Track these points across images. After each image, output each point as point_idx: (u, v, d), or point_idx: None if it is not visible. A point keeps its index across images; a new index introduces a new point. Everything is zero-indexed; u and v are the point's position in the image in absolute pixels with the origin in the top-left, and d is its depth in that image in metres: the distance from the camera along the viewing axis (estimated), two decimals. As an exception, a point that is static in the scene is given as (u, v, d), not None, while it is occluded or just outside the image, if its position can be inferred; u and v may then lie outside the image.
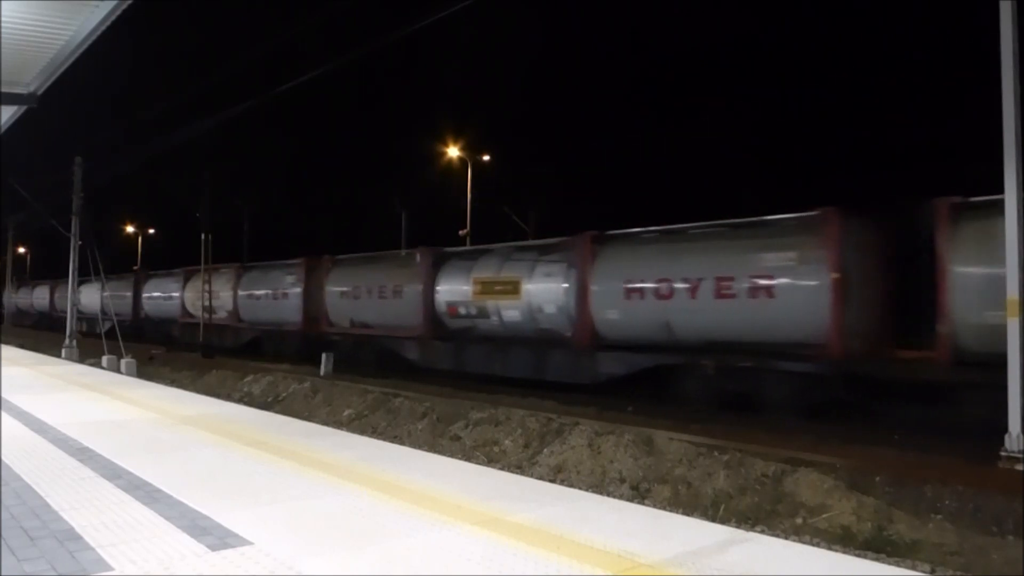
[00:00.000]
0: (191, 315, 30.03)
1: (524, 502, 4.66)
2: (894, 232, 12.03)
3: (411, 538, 3.94)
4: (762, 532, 6.35)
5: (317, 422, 10.64)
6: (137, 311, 35.25)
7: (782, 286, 12.11)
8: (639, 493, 8.60)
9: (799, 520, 7.46)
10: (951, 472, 8.00)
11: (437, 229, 33.32)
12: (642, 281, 14.03)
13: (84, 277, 38.43)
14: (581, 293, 15.01)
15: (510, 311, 16.56)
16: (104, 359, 19.56)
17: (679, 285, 13.35)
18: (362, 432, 11.27)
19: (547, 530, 4.08)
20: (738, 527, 5.72)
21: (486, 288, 17.21)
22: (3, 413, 8.09)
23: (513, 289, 16.46)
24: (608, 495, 7.30)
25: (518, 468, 9.64)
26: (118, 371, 17.83)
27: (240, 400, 15.04)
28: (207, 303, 27.95)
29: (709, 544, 3.94)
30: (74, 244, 23.28)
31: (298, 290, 23.52)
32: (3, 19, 9.08)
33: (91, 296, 37.71)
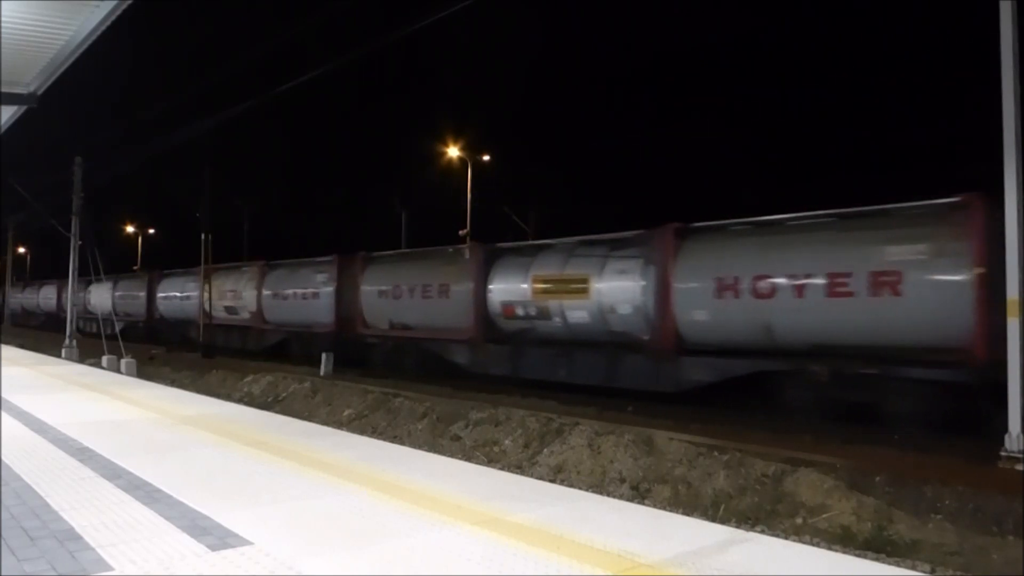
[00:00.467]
0: (211, 316, 28.79)
1: (524, 502, 4.66)
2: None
3: (411, 538, 3.94)
4: (762, 532, 6.34)
5: (317, 422, 10.64)
6: (151, 312, 33.94)
7: (912, 283, 10.69)
8: (639, 493, 8.60)
9: (799, 520, 7.46)
10: (951, 472, 8.01)
11: (437, 229, 33.33)
12: (737, 278, 12.57)
13: (94, 277, 38.33)
14: (662, 292, 13.61)
15: (577, 312, 15.10)
16: (104, 359, 19.56)
17: (782, 282, 12.01)
18: (362, 432, 11.27)
19: (547, 530, 4.08)
20: (738, 527, 5.72)
21: (548, 287, 15.73)
22: (3, 413, 8.09)
23: (580, 288, 15.00)
24: (608, 495, 7.30)
25: (518, 468, 9.64)
26: (118, 371, 17.82)
27: (240, 400, 15.04)
28: (206, 303, 27.90)
29: (709, 544, 3.94)
30: (74, 244, 23.29)
31: (330, 289, 22.10)
32: (3, 19, 9.08)
33: (101, 296, 37.39)
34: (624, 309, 14.41)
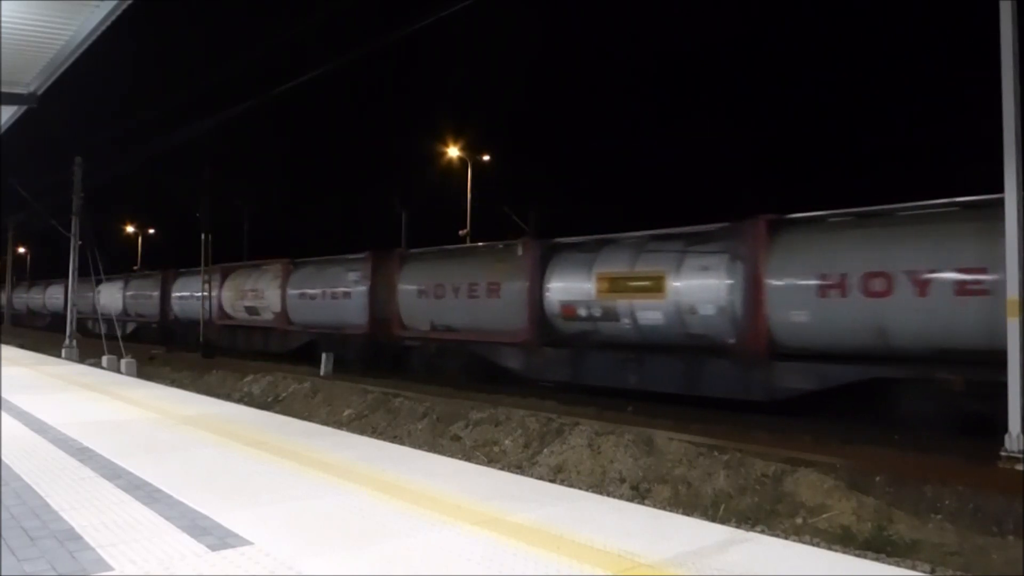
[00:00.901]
0: (230, 316, 27.65)
1: (524, 502, 4.66)
2: None
3: (411, 538, 3.94)
4: (762, 532, 6.34)
5: (317, 422, 10.63)
6: (165, 312, 32.59)
7: None
8: (639, 493, 8.60)
9: (799, 520, 7.46)
10: (951, 472, 8.00)
11: (437, 229, 33.32)
12: (844, 275, 11.24)
13: (105, 276, 37.91)
14: (752, 290, 12.35)
15: (649, 312, 13.80)
16: (104, 359, 19.55)
17: (900, 280, 10.73)
18: (362, 432, 11.27)
19: (547, 530, 4.08)
20: (738, 527, 5.72)
21: (616, 285, 14.35)
22: (3, 413, 8.09)
23: (654, 286, 13.66)
24: (608, 495, 7.30)
25: (518, 468, 9.64)
26: (118, 371, 17.82)
27: (240, 400, 15.04)
28: (206, 304, 27.83)
29: (709, 544, 3.94)
30: (74, 244, 23.29)
31: (363, 288, 20.80)
32: (3, 19, 9.08)
33: (111, 296, 36.13)
34: (706, 309, 13.07)
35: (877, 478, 7.97)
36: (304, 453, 6.11)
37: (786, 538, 5.85)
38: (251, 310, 25.97)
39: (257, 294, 25.50)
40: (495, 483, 5.44)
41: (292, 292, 23.74)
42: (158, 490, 4.85)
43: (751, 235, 12.63)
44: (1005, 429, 8.46)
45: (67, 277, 23.47)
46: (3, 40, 9.74)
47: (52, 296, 44.65)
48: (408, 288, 19.41)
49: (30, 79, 11.71)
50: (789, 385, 11.99)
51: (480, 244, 19.13)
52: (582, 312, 15.10)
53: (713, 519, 7.08)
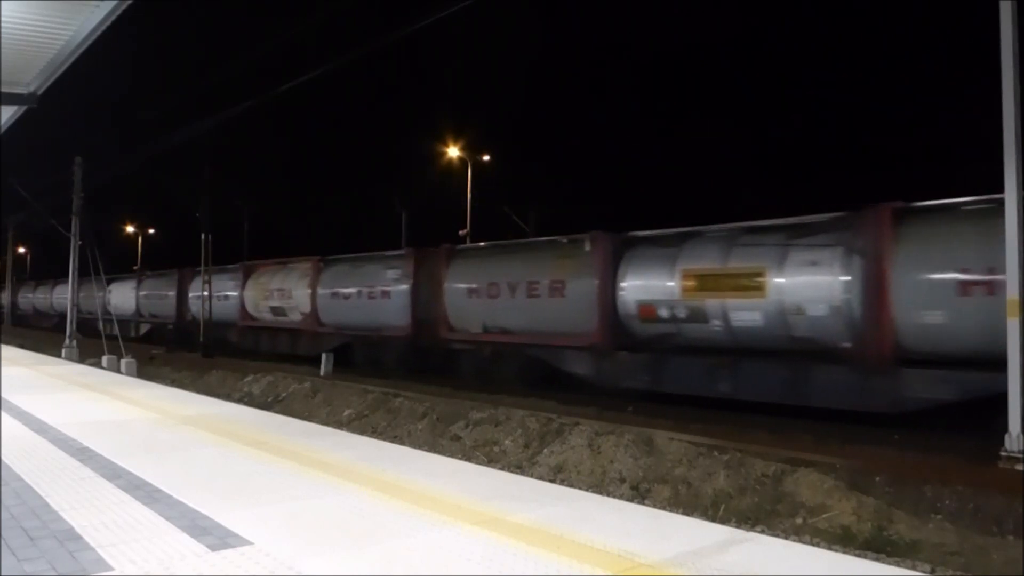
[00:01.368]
0: (253, 317, 26.14)
1: (524, 502, 4.66)
2: None
3: (411, 538, 3.94)
4: (762, 532, 6.34)
5: (317, 422, 10.64)
6: (182, 313, 31.09)
7: None
8: (639, 493, 8.60)
9: (799, 520, 7.46)
10: (951, 472, 8.00)
11: (437, 229, 33.33)
12: (991, 270, 9.74)
13: (116, 275, 37.28)
14: (873, 288, 11.02)
15: (745, 313, 12.39)
16: (104, 359, 19.56)
17: None
18: (362, 432, 11.27)
19: (547, 530, 4.08)
20: (738, 527, 5.72)
21: (705, 283, 12.97)
22: (3, 413, 8.09)
23: (752, 283, 12.24)
24: (608, 495, 7.30)
25: (518, 468, 9.64)
26: (118, 371, 17.83)
27: (240, 400, 15.05)
28: (207, 304, 27.74)
29: (709, 544, 3.94)
30: (74, 244, 23.31)
31: (404, 287, 19.40)
32: (3, 19, 9.09)
33: (124, 296, 35.38)
34: (816, 309, 11.63)
35: (877, 478, 7.97)
36: (304, 453, 6.11)
37: (786, 538, 5.85)
38: (277, 311, 24.63)
39: (284, 294, 24.07)
40: (495, 483, 5.44)
41: (323, 291, 22.30)
42: (158, 490, 4.84)
43: (872, 225, 11.19)
44: (1005, 429, 8.47)
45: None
46: (3, 40, 9.74)
47: (60, 296, 41.94)
48: (457, 287, 17.88)
49: (30, 79, 11.72)
50: (920, 395, 10.59)
51: (541, 239, 17.37)
52: (663, 313, 13.67)
53: (713, 519, 7.09)
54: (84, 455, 5.95)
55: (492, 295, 16.83)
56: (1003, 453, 8.45)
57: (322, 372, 19.24)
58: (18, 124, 14.97)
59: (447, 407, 12.90)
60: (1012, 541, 6.69)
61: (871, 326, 11.08)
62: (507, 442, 10.89)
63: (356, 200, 62.40)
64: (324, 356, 19.88)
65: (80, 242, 23.23)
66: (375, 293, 20.36)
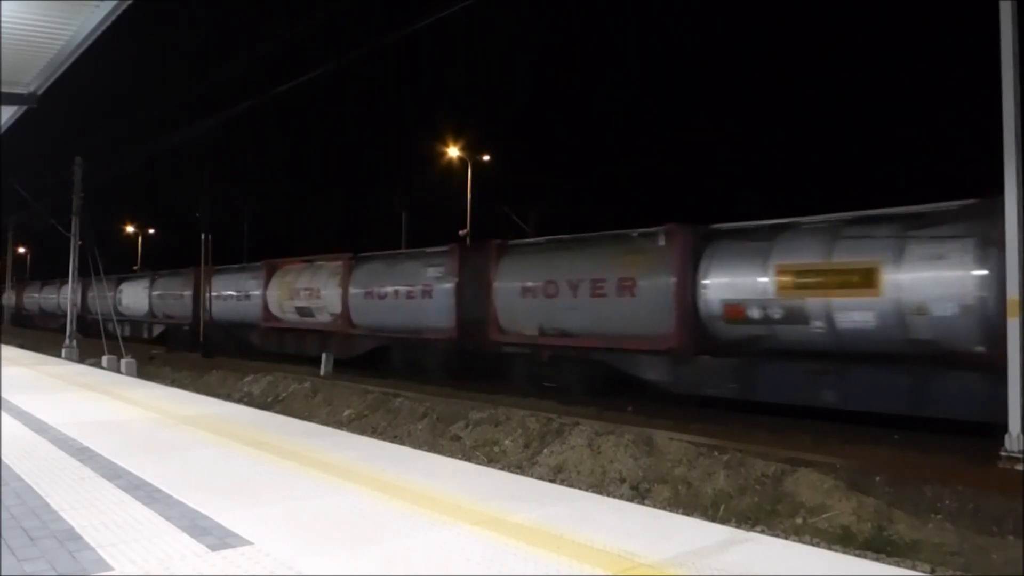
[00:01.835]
0: (277, 318, 24.67)
1: (524, 502, 4.66)
2: None
3: (411, 538, 3.94)
4: (762, 532, 6.35)
5: (317, 422, 10.64)
6: (199, 314, 29.58)
7: None
8: (639, 493, 8.60)
9: (799, 520, 7.46)
10: (951, 472, 8.01)
11: (437, 229, 33.33)
12: None
13: (127, 274, 36.77)
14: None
15: (855, 313, 11.11)
16: (104, 359, 19.56)
17: None
18: (362, 432, 11.27)
19: (547, 530, 4.08)
20: (738, 527, 5.73)
21: (805, 280, 11.73)
22: (3, 413, 8.09)
23: (863, 280, 11.02)
24: (608, 495, 7.31)
25: (518, 468, 9.64)
26: (118, 371, 17.83)
27: (240, 400, 15.05)
28: (206, 304, 27.73)
29: (709, 544, 3.94)
30: (74, 244, 23.33)
31: (448, 286, 18.05)
32: (3, 19, 9.09)
33: (136, 296, 34.30)
34: (942, 308, 10.43)
35: (877, 478, 7.97)
36: (304, 453, 6.11)
37: (786, 538, 5.86)
38: (303, 311, 23.28)
39: (312, 293, 22.70)
40: (495, 483, 5.44)
41: (355, 291, 20.98)
42: (158, 490, 4.85)
43: None
44: (1005, 429, 8.47)
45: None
46: (3, 40, 9.74)
47: (67, 296, 41.25)
48: (508, 286, 16.47)
49: (30, 79, 11.73)
50: None
51: (605, 233, 15.78)
52: (754, 313, 12.36)
53: (713, 519, 7.09)
54: (84, 455, 5.95)
55: (550, 294, 15.48)
56: (1003, 453, 8.46)
57: (322, 372, 19.24)
58: (18, 124, 14.98)
59: (447, 407, 12.90)
60: (1012, 541, 6.69)
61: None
62: (507, 442, 10.90)
63: (356, 200, 62.44)
64: (324, 356, 19.86)
65: (80, 242, 23.25)
66: (415, 292, 18.98)
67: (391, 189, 39.85)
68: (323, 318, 22.35)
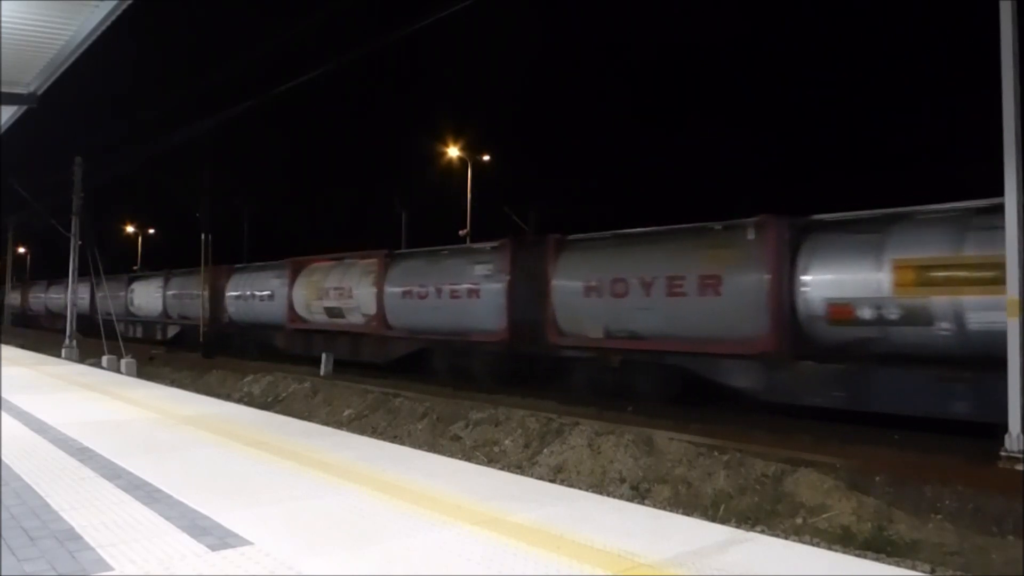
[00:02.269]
0: (303, 319, 23.34)
1: (524, 502, 4.66)
2: None
3: (411, 538, 3.94)
4: (762, 532, 6.34)
5: (317, 422, 10.64)
6: (217, 314, 28.35)
7: None
8: (639, 493, 8.60)
9: (799, 520, 7.46)
10: (951, 472, 8.01)
11: (437, 229, 33.33)
12: None
13: (140, 273, 36.21)
14: None
15: (992, 313, 9.65)
16: (104, 359, 19.56)
17: None
18: (362, 432, 11.27)
19: (547, 530, 4.08)
20: (738, 527, 5.73)
21: (929, 276, 10.46)
22: (3, 413, 8.09)
23: (1001, 276, 9.31)
24: (608, 495, 7.31)
25: (518, 468, 9.64)
26: (118, 371, 17.83)
27: (240, 400, 15.05)
28: (206, 304, 27.67)
29: (709, 544, 3.94)
30: (74, 244, 23.34)
31: (498, 285, 16.68)
32: (3, 19, 9.09)
33: (149, 296, 33.41)
34: None
35: (877, 478, 7.97)
36: (304, 453, 6.11)
37: (786, 538, 5.85)
38: (333, 312, 21.94)
39: (342, 293, 21.47)
40: (495, 483, 5.44)
41: (391, 290, 19.65)
42: (158, 490, 4.85)
43: None
44: (1005, 429, 8.47)
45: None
46: (3, 40, 9.74)
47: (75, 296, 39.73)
48: (569, 284, 15.20)
49: (30, 79, 11.73)
50: None
51: (682, 226, 14.28)
52: (865, 313, 11.06)
53: (713, 519, 7.09)
54: (84, 455, 5.95)
55: (618, 293, 14.18)
56: (1003, 453, 8.46)
57: (322, 372, 19.24)
58: (18, 124, 14.98)
59: (447, 407, 12.90)
60: (1012, 541, 6.69)
61: None
62: (507, 442, 10.90)
63: (356, 200, 62.44)
64: (324, 356, 19.85)
65: (80, 242, 23.26)
66: (459, 292, 17.56)
67: (391, 189, 39.86)
68: (355, 319, 21.08)
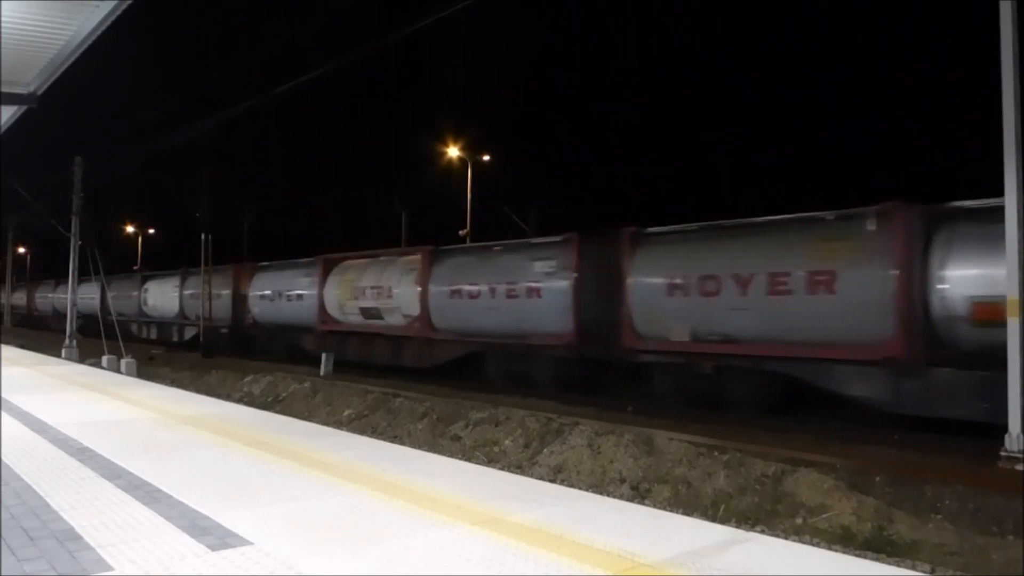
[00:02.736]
0: (336, 320, 22.01)
1: (524, 502, 4.66)
2: None
3: (411, 538, 3.94)
4: (762, 532, 6.35)
5: (317, 422, 10.64)
6: (239, 315, 27.06)
7: None
8: (639, 493, 8.60)
9: (799, 520, 7.46)
10: (951, 472, 8.01)
11: (437, 229, 33.33)
12: None
13: (154, 272, 35.69)
14: None
15: None
16: (104, 359, 19.57)
17: None
18: (362, 432, 11.28)
19: (547, 530, 4.08)
20: (738, 527, 5.72)
21: None
22: (3, 413, 8.09)
23: None
24: (608, 495, 7.30)
25: (518, 468, 9.65)
26: (118, 371, 17.83)
27: (240, 400, 15.05)
28: (206, 305, 27.66)
29: (709, 544, 3.94)
30: (74, 244, 23.36)
31: (563, 283, 15.40)
32: (3, 19, 9.10)
33: (164, 295, 32.18)
34: None
35: (877, 478, 7.98)
36: (304, 453, 6.11)
37: (786, 538, 5.85)
38: (370, 312, 20.62)
39: (381, 292, 20.14)
40: (495, 483, 5.44)
41: (437, 289, 18.28)
42: (158, 490, 4.85)
43: None
44: (1005, 429, 8.47)
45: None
46: (3, 40, 9.74)
47: (84, 295, 33.18)
48: (648, 282, 13.89)
49: (30, 79, 11.73)
50: None
51: (786, 217, 12.73)
52: None
53: (713, 519, 7.09)
54: (84, 455, 5.95)
55: (707, 292, 12.87)
56: (1003, 453, 8.46)
57: (322, 372, 19.24)
58: (18, 124, 14.98)
59: (447, 407, 12.90)
60: (1012, 541, 6.69)
61: None
62: (507, 442, 10.90)
63: (356, 200, 62.45)
64: (324, 356, 19.84)
65: (80, 242, 23.27)
66: (517, 291, 16.20)
67: (391, 189, 39.85)
68: (394, 320, 19.78)
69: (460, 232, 33.07)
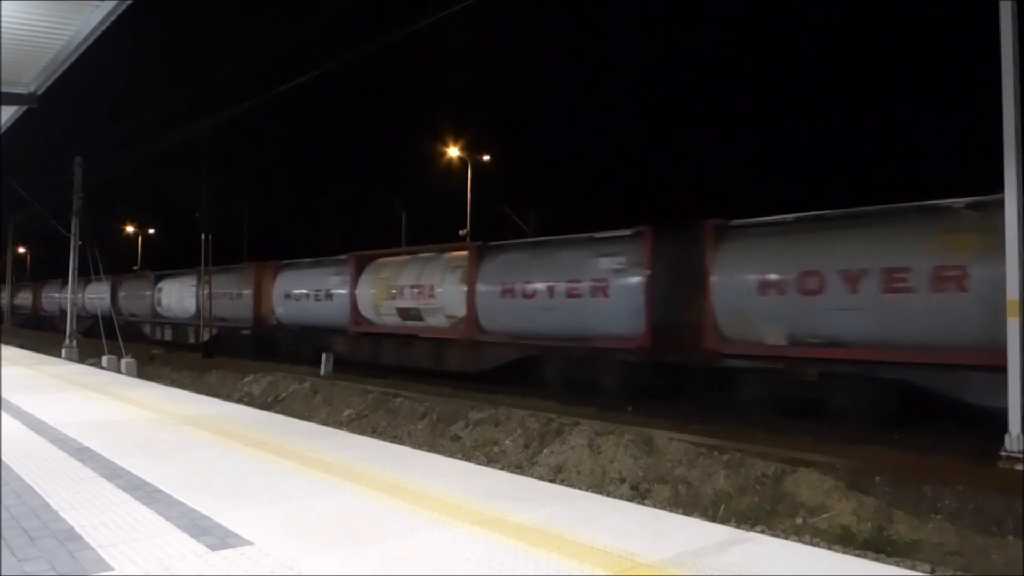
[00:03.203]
0: (371, 322, 20.68)
1: (524, 502, 4.66)
2: None
3: (411, 538, 3.94)
4: (762, 532, 6.35)
5: (317, 422, 10.64)
6: (261, 317, 25.77)
7: None
8: (639, 493, 8.60)
9: (799, 520, 7.46)
10: (951, 472, 8.00)
11: (437, 229, 33.34)
12: None
13: (168, 271, 35.10)
14: None
15: None
16: (104, 359, 19.58)
17: None
18: (362, 432, 11.28)
19: (547, 530, 4.08)
20: (738, 527, 5.72)
21: None
22: (3, 413, 8.09)
23: None
24: (608, 495, 7.31)
25: (518, 468, 9.65)
26: (118, 371, 17.83)
27: (240, 400, 15.04)
28: (206, 306, 27.57)
29: (709, 544, 3.94)
30: (74, 244, 23.37)
31: (634, 280, 14.08)
32: (3, 19, 9.10)
33: (180, 295, 30.95)
34: None
35: (877, 478, 7.97)
36: (304, 453, 6.11)
37: (786, 538, 5.86)
38: (409, 313, 19.22)
39: (422, 291, 18.74)
40: (495, 483, 5.44)
41: (485, 288, 16.91)
42: (158, 490, 4.85)
43: None
44: (1005, 429, 8.47)
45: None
46: (3, 40, 9.75)
47: (93, 295, 33.21)
48: (736, 279, 12.63)
49: (30, 79, 11.73)
50: None
51: (903, 206, 11.34)
52: None
53: (713, 519, 7.09)
54: (84, 455, 5.95)
55: (808, 290, 11.65)
56: (1003, 453, 8.46)
57: (322, 372, 19.24)
58: (18, 124, 14.99)
59: (447, 407, 12.90)
60: (1012, 541, 6.69)
61: None
62: (507, 442, 10.90)
63: (356, 200, 62.47)
64: (324, 356, 19.82)
65: (80, 242, 23.28)
66: (580, 289, 14.86)
67: (391, 189, 39.88)
68: (436, 321, 18.45)
69: (460, 232, 33.09)
